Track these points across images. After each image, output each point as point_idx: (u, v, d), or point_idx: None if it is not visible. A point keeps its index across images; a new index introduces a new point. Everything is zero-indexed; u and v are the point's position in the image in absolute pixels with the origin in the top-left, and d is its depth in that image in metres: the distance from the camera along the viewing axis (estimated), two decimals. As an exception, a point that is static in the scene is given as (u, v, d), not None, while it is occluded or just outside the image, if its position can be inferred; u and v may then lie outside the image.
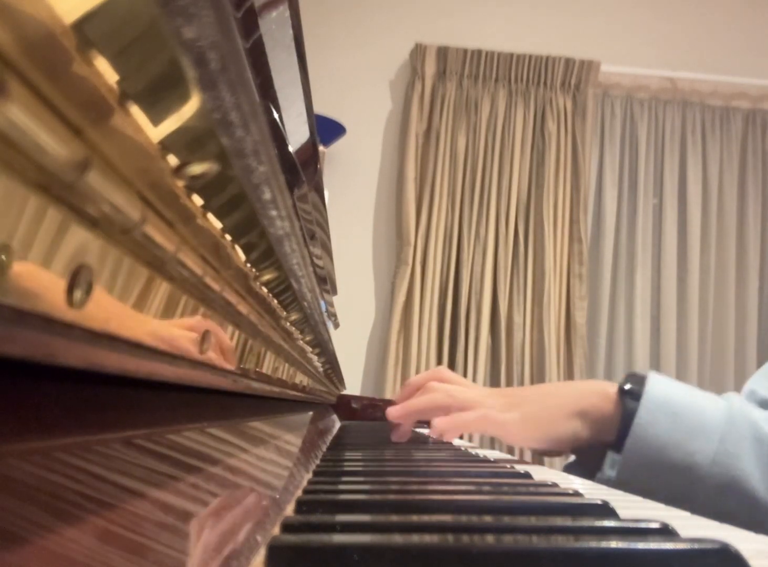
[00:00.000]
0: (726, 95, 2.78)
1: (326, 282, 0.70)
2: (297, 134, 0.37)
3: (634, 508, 0.41)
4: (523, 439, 0.69)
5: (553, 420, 0.69)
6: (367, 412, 1.43)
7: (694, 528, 0.34)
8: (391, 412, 0.77)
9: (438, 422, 0.70)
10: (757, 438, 0.61)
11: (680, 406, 0.64)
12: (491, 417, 0.69)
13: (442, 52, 2.65)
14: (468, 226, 2.58)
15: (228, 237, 0.24)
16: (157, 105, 0.15)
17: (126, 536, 0.17)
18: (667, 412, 0.64)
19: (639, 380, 0.68)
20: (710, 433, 0.62)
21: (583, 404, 0.69)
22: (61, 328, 0.14)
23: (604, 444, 0.69)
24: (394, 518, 0.30)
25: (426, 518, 0.31)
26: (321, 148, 2.31)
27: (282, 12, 0.29)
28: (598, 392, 0.69)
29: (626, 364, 2.66)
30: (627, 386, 0.68)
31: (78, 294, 0.15)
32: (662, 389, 0.66)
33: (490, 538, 0.25)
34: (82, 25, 0.11)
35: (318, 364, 0.79)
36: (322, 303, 0.61)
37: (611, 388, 0.69)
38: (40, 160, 0.12)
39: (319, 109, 1.36)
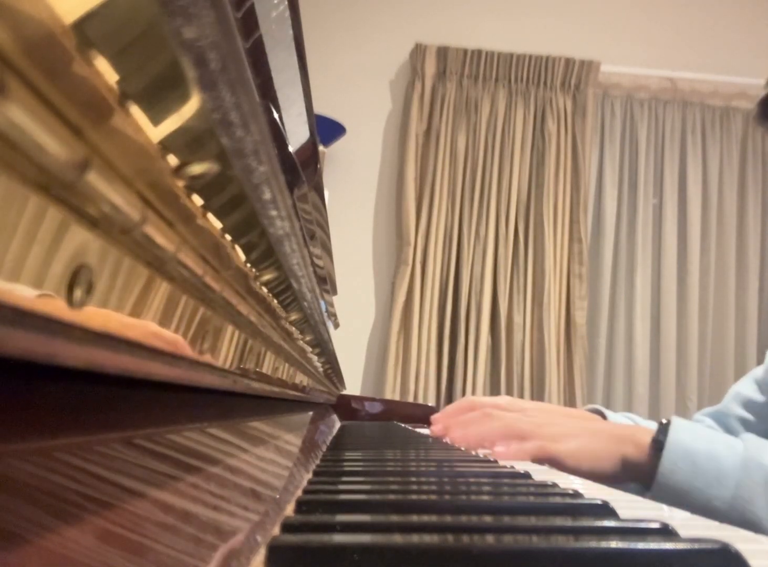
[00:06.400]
0: (726, 95, 2.78)
1: (326, 282, 0.70)
2: (297, 134, 0.37)
3: (634, 508, 0.41)
4: (573, 470, 0.76)
5: (601, 457, 0.76)
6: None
7: (695, 528, 0.34)
8: (456, 439, 0.83)
9: (499, 455, 0.76)
10: None
11: (699, 455, 0.71)
12: (547, 449, 0.76)
13: (442, 52, 2.64)
14: (468, 226, 2.58)
15: (228, 237, 0.24)
16: (157, 105, 0.15)
17: (126, 536, 0.17)
18: (687, 461, 0.71)
19: (666, 428, 0.75)
20: (726, 480, 0.69)
21: (623, 450, 0.76)
22: (61, 328, 0.14)
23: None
24: (394, 518, 0.30)
25: (426, 518, 0.31)
26: (321, 148, 2.31)
27: (282, 12, 0.29)
28: (634, 442, 0.76)
29: (626, 364, 2.66)
30: (656, 437, 0.74)
31: (78, 294, 0.15)
32: (683, 439, 0.73)
33: (490, 538, 0.25)
34: (82, 25, 0.11)
35: (318, 364, 0.79)
36: (322, 303, 0.61)
37: (645, 438, 0.75)
38: (40, 160, 0.12)
39: (319, 109, 1.36)
